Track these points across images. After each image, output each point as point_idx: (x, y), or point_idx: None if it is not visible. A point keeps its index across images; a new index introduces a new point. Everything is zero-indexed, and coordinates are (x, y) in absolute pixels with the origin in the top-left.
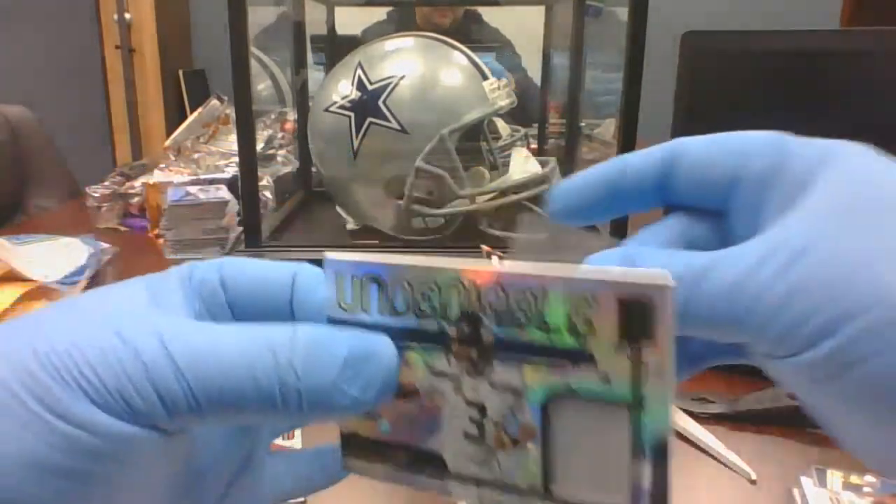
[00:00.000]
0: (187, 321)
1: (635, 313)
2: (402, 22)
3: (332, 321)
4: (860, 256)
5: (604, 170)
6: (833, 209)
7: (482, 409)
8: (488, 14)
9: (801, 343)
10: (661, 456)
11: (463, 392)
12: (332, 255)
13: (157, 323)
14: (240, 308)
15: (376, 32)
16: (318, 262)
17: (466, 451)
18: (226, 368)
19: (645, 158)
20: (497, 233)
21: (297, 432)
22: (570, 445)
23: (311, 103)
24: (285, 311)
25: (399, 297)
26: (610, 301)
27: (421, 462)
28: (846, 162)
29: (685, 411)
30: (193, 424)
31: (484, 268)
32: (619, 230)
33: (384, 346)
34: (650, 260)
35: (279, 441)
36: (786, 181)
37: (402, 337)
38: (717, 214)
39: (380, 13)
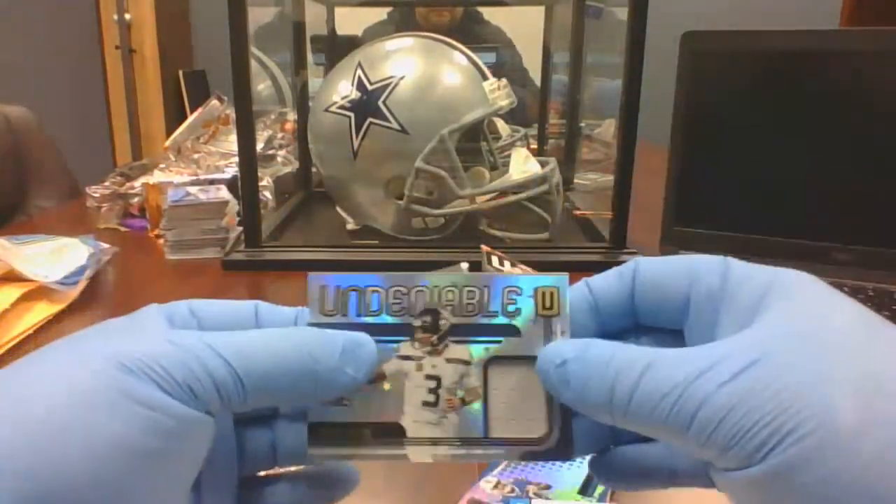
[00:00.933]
0: (218, 332)
1: (547, 297)
2: (402, 22)
3: (315, 325)
4: (808, 377)
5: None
6: (784, 334)
7: (438, 381)
8: (488, 14)
9: (747, 454)
10: None
11: (423, 369)
12: (314, 273)
13: (195, 333)
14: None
15: (376, 32)
16: (318, 262)
17: (423, 416)
18: (264, 363)
19: (608, 281)
20: (497, 233)
21: None
22: (503, 397)
23: (311, 103)
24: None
25: (374, 301)
26: (530, 290)
27: (383, 435)
28: (796, 292)
29: None
30: (237, 407)
31: (441, 274)
32: (618, 242)
33: (366, 338)
34: (602, 348)
35: None
36: (735, 306)
37: (375, 332)
38: (678, 336)
39: (380, 13)
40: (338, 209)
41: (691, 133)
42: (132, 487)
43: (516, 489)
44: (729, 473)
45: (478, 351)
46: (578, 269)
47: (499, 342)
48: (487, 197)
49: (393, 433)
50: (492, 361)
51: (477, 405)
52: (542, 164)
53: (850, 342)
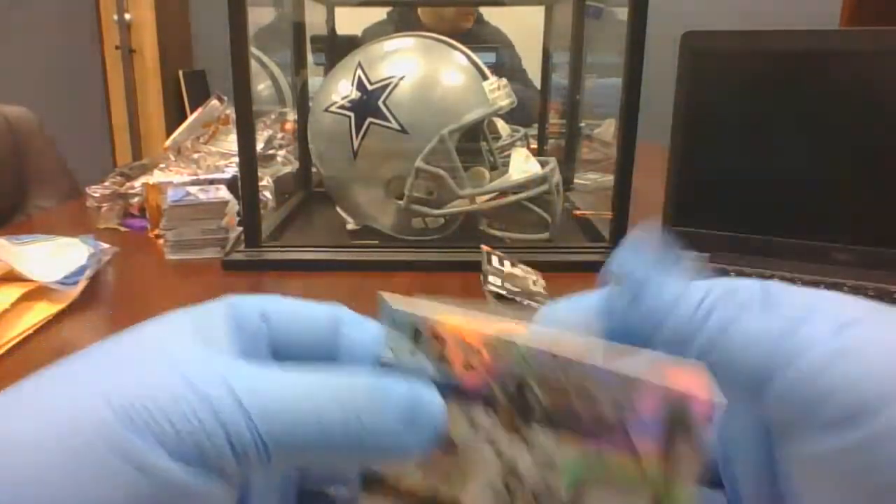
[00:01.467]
0: (249, 365)
1: (678, 412)
2: (402, 22)
3: (383, 364)
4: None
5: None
6: (851, 322)
7: (514, 468)
8: (487, 14)
9: (859, 406)
10: None
11: (499, 448)
12: (389, 298)
13: (221, 367)
14: (282, 344)
15: (376, 33)
16: (318, 262)
17: (488, 502)
18: (295, 418)
19: None
20: (497, 233)
21: None
22: None
23: (311, 103)
24: (328, 349)
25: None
26: (656, 398)
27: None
28: (843, 306)
29: None
30: (258, 471)
31: (539, 342)
32: (618, 242)
33: (434, 397)
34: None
35: None
36: (777, 324)
37: (447, 389)
38: None
39: (380, 13)
40: (338, 209)
41: (691, 133)
42: None
43: None
44: (819, 441)
45: (568, 444)
46: (578, 270)
47: (598, 440)
48: (487, 197)
49: None
50: (587, 473)
51: None
52: (542, 164)
53: None
